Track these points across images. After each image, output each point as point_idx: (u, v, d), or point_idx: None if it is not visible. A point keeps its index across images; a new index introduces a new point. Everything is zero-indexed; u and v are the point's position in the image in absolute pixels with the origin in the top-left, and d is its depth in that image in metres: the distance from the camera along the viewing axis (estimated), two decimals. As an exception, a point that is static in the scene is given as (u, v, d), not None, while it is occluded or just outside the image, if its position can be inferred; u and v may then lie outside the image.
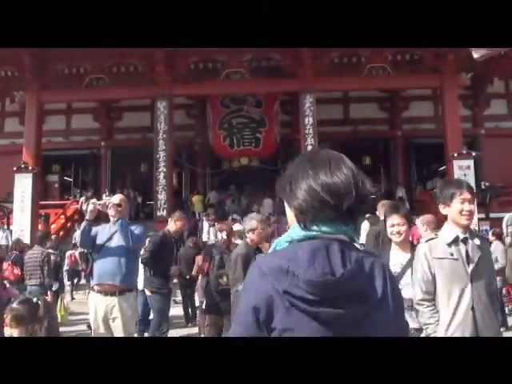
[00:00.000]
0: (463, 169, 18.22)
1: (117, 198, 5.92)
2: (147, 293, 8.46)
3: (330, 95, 22.31)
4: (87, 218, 5.78)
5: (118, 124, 25.48)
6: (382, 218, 7.53)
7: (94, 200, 5.85)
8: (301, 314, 1.48)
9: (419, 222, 8.06)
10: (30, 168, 18.66)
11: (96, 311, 5.74)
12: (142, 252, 7.51)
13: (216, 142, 22.02)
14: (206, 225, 18.31)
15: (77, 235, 5.92)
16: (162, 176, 18.42)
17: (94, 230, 5.88)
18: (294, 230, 1.63)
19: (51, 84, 19.71)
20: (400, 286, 3.88)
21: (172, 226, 8.03)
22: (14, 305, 2.93)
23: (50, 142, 24.44)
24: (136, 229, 5.72)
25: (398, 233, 4.22)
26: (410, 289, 3.93)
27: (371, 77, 18.81)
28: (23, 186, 18.50)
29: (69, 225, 21.59)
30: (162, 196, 18.31)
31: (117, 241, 5.67)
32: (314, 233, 1.57)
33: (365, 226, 9.67)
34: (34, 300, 2.58)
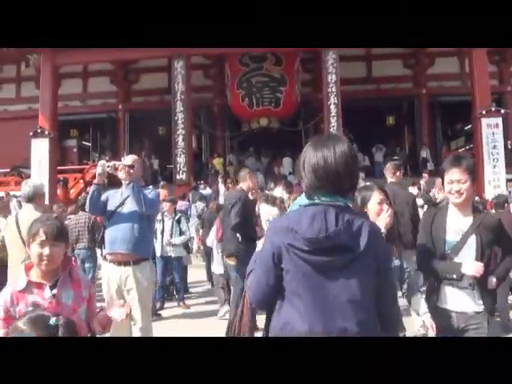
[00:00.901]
0: (492, 127, 17.42)
1: (129, 158, 5.33)
2: (231, 262, 7.20)
3: (352, 52, 21.35)
4: (95, 181, 5.21)
5: (135, 86, 24.79)
6: (389, 180, 7.34)
7: (102, 161, 5.24)
8: (299, 260, 2.11)
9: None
10: (47, 132, 18.23)
11: (109, 282, 5.20)
12: (232, 216, 6.88)
13: (234, 101, 21.21)
14: (222, 187, 17.70)
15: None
16: (180, 139, 17.85)
17: (105, 194, 5.31)
18: (302, 198, 2.32)
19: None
20: (458, 259, 3.31)
21: (245, 184, 7.28)
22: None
23: (67, 107, 24.01)
24: (149, 193, 5.15)
25: (458, 192, 3.27)
26: (473, 263, 3.23)
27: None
28: (40, 151, 18.11)
29: (88, 189, 21.11)
30: (181, 159, 17.75)
31: (129, 206, 5.09)
32: (316, 201, 2.16)
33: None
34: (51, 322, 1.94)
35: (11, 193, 18.25)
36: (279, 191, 9.79)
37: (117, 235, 5.08)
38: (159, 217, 9.31)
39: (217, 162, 21.87)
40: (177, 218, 9.55)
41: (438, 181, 6.67)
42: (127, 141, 24.09)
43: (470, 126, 23.69)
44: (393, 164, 7.73)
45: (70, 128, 25.14)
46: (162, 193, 16.08)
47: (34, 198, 5.30)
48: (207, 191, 17.60)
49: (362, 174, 18.52)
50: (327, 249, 2.06)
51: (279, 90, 20.55)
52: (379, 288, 2.16)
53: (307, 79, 23.00)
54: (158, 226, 9.14)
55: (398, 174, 7.44)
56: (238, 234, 7.01)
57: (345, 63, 19.42)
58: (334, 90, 17.54)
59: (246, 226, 7.03)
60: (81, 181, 20.98)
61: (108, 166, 5.08)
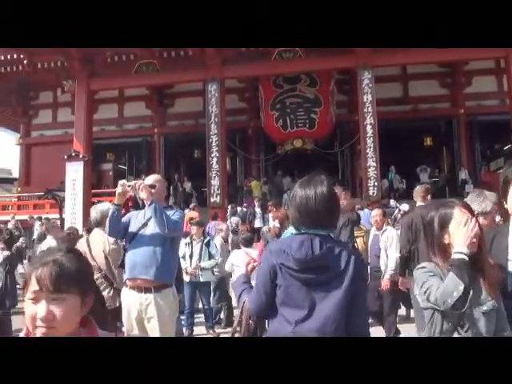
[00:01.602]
0: (533, 145, 16.66)
1: (151, 178, 4.96)
2: None
3: (387, 72, 20.91)
4: (115, 201, 4.85)
5: (170, 110, 24.80)
6: (418, 204, 6.96)
7: (123, 181, 4.88)
8: (290, 277, 2.54)
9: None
10: (81, 156, 18.14)
11: (129, 310, 4.78)
12: (343, 238, 6.66)
13: (268, 123, 20.86)
14: (258, 211, 17.19)
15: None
16: (215, 161, 17.55)
17: (127, 216, 4.98)
18: (291, 228, 2.77)
19: (100, 72, 19.14)
20: None
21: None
22: None
23: (103, 131, 24.12)
24: (173, 214, 4.76)
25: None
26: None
27: (433, 49, 17.32)
28: (74, 174, 18.04)
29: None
30: (215, 182, 17.43)
31: (151, 228, 4.69)
32: (303, 231, 2.58)
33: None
34: None
35: (35, 216, 18.27)
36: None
37: (137, 260, 4.68)
38: (188, 240, 8.98)
39: (254, 185, 21.43)
40: (206, 241, 9.15)
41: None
42: (162, 164, 24.02)
43: (509, 146, 23.04)
44: (423, 187, 7.30)
45: (106, 152, 25.21)
46: (193, 215, 15.88)
47: (101, 222, 5.40)
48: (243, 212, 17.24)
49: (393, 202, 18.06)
50: (312, 268, 2.49)
51: (313, 111, 20.12)
52: (354, 301, 2.53)
53: (342, 100, 22.59)
54: (187, 250, 8.80)
55: (428, 197, 6.94)
56: None
57: (381, 84, 18.92)
58: (370, 110, 17.06)
59: None
60: (116, 204, 20.83)
61: (129, 186, 4.73)
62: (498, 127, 21.23)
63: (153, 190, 4.68)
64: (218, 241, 9.67)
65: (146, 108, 24.71)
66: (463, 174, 21.12)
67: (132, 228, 4.84)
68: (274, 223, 8.95)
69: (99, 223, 5.48)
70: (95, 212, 5.57)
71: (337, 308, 2.49)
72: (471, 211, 2.61)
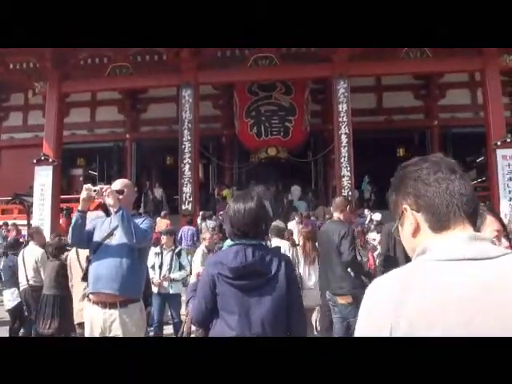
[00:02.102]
0: (507, 158, 16.54)
1: (118, 182, 4.57)
2: (343, 301, 6.26)
3: (361, 83, 20.71)
4: (79, 207, 4.44)
5: (143, 116, 24.28)
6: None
7: (88, 185, 4.48)
8: (227, 284, 2.79)
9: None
10: (50, 160, 17.54)
11: (92, 327, 4.36)
12: (346, 250, 6.11)
13: (243, 130, 20.49)
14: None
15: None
16: (187, 168, 17.11)
17: (92, 223, 4.55)
18: (228, 240, 3.06)
19: (73, 74, 18.59)
20: None
21: (342, 214, 6.63)
22: None
23: (74, 135, 23.56)
24: (142, 222, 4.36)
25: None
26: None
27: (408, 61, 17.22)
28: (43, 179, 17.42)
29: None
30: (187, 189, 16.98)
31: (118, 238, 4.29)
32: (237, 242, 2.89)
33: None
34: None
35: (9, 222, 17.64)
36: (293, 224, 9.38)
37: (101, 272, 4.25)
38: (158, 250, 8.53)
39: (227, 193, 21.06)
40: (177, 250, 8.64)
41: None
42: (134, 170, 23.46)
43: (481, 159, 23.06)
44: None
45: (76, 157, 24.64)
46: (164, 223, 15.42)
47: None
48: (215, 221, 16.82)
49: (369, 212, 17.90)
50: (246, 275, 2.75)
51: (288, 119, 19.81)
52: (289, 303, 2.83)
53: (316, 110, 22.35)
54: (156, 260, 8.35)
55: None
56: (349, 270, 6.29)
57: (355, 94, 18.63)
58: (345, 119, 16.81)
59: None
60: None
61: (94, 191, 4.33)
62: (471, 139, 21.21)
63: (120, 196, 4.30)
64: (200, 250, 9.20)
65: (118, 113, 24.13)
66: (437, 185, 21.00)
67: (96, 237, 4.45)
68: None
69: None
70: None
71: (271, 310, 2.76)
72: (500, 219, 2.88)
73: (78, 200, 14.81)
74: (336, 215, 6.70)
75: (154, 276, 8.17)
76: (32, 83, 19.59)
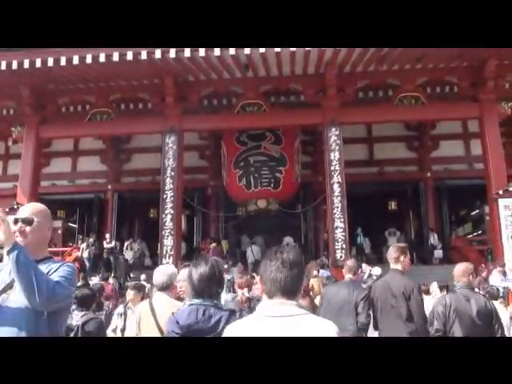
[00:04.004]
0: (510, 208, 15.26)
1: (28, 208, 2.99)
2: None
3: (352, 134, 19.56)
4: None
5: (126, 166, 22.91)
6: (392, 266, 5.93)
7: None
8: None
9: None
10: (23, 210, 15.93)
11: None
12: (360, 311, 6.13)
13: (231, 182, 19.01)
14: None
15: None
16: (168, 219, 15.63)
17: None
18: (188, 300, 3.33)
19: (52, 119, 17.31)
20: None
21: (354, 276, 6.91)
22: None
23: (54, 186, 22.14)
24: (56, 270, 2.82)
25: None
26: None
27: (403, 107, 16.12)
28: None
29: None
30: (168, 241, 15.45)
31: (18, 294, 2.64)
32: (193, 302, 3.16)
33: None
34: None
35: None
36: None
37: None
38: (121, 309, 6.86)
39: (213, 248, 19.54)
40: None
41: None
42: (115, 223, 21.87)
43: (477, 212, 21.95)
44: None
45: (56, 208, 23.07)
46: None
47: (169, 286, 4.78)
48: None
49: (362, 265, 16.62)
50: (191, 332, 3.04)
51: (278, 169, 18.36)
52: None
53: (306, 162, 21.12)
54: (119, 323, 6.67)
55: (401, 259, 5.85)
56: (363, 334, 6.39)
57: (345, 145, 17.24)
58: (337, 168, 15.54)
59: None
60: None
61: None
62: (466, 192, 20.23)
63: (27, 228, 2.80)
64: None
65: (100, 163, 22.76)
66: (432, 239, 19.63)
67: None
68: (242, 291, 8.02)
69: (166, 287, 4.72)
70: (162, 275, 4.79)
71: None
72: None
73: (54, 253, 13.25)
74: (348, 276, 6.74)
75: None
76: (11, 130, 18.36)
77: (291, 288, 2.16)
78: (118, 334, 6.57)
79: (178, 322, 3.07)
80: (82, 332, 5.78)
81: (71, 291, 2.82)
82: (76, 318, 5.99)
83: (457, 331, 5.31)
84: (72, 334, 5.81)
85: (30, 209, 2.91)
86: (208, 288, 3.16)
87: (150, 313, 4.53)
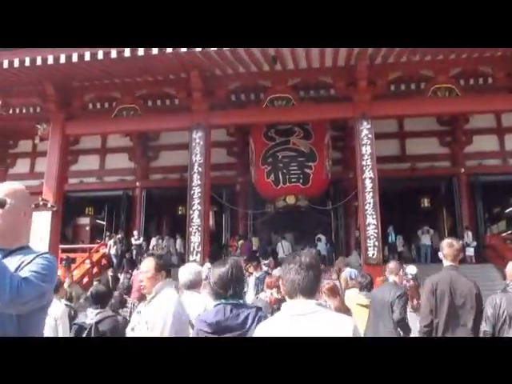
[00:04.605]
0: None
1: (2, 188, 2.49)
2: None
3: (384, 129, 18.85)
4: None
5: (154, 163, 22.62)
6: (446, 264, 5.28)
7: None
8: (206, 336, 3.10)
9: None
10: (50, 205, 15.71)
11: None
12: (395, 309, 6.34)
13: (259, 178, 18.48)
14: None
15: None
16: (196, 215, 15.19)
17: None
18: (211, 300, 3.55)
19: (77, 116, 17.03)
20: None
21: (396, 277, 6.93)
22: None
23: (82, 183, 21.94)
24: (30, 262, 2.33)
25: None
26: None
27: (436, 100, 15.42)
28: (41, 225, 15.46)
29: (95, 271, 18.50)
30: (195, 238, 15.01)
31: None
32: (218, 302, 3.20)
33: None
34: None
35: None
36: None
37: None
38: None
39: (241, 244, 19.11)
40: None
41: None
42: (142, 219, 21.57)
43: (511, 209, 21.22)
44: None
45: (84, 205, 22.99)
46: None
47: (197, 283, 4.83)
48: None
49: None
50: (219, 330, 3.06)
51: (308, 165, 17.73)
52: None
53: (337, 157, 20.51)
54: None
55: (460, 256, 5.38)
56: (399, 329, 6.38)
57: (377, 141, 16.58)
58: (369, 163, 14.91)
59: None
60: (87, 261, 18.36)
61: None
62: (501, 188, 19.45)
63: (-1, 211, 2.32)
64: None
65: (129, 160, 22.51)
66: (466, 237, 18.84)
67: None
68: (270, 291, 7.65)
69: (194, 285, 4.74)
70: (188, 274, 4.79)
71: None
72: None
73: (82, 250, 12.96)
74: (392, 278, 6.86)
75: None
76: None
77: (309, 288, 2.42)
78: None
79: (205, 321, 3.12)
80: (96, 331, 5.31)
81: (44, 289, 2.22)
82: (90, 315, 5.52)
83: (508, 333, 4.78)
84: (85, 334, 5.34)
85: (3, 189, 2.37)
86: (230, 288, 3.19)
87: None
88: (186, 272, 4.80)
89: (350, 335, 2.29)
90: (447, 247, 5.22)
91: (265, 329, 2.43)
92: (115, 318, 5.73)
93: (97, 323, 5.36)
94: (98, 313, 5.47)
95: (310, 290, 2.43)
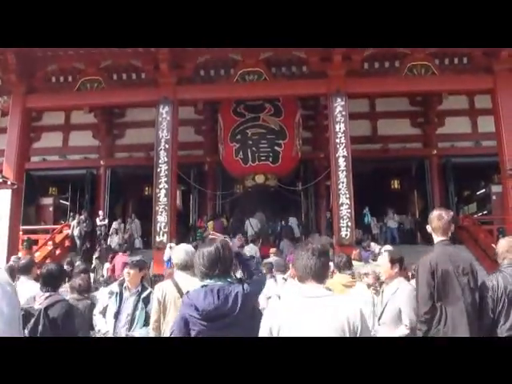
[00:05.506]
0: (525, 185, 14.06)
1: None
2: None
3: (355, 109, 18.08)
4: None
5: (119, 141, 21.60)
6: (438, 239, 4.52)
7: None
8: (198, 323, 3.05)
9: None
10: (9, 183, 14.69)
11: None
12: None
13: (227, 156, 17.66)
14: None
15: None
16: (162, 194, 14.36)
17: None
18: (199, 281, 3.27)
19: (39, 88, 15.95)
20: None
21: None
22: None
23: (45, 162, 20.87)
24: None
25: None
26: None
27: (412, 78, 14.83)
28: (0, 204, 14.48)
29: (58, 252, 17.56)
30: (162, 217, 14.18)
31: None
32: (206, 283, 3.16)
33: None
34: None
35: None
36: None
37: None
38: (115, 288, 5.44)
39: (211, 226, 18.27)
40: (145, 294, 5.15)
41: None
42: (107, 199, 20.59)
43: (482, 191, 20.96)
44: (438, 214, 4.57)
45: (47, 185, 21.92)
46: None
47: (191, 264, 4.29)
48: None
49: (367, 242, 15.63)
50: (212, 317, 3.04)
51: (278, 143, 16.97)
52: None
53: (307, 137, 19.81)
54: (111, 304, 5.28)
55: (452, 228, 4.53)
56: None
57: (349, 121, 15.88)
58: (342, 141, 14.24)
59: None
60: (49, 242, 17.40)
61: None
62: (473, 170, 19.14)
63: None
64: None
65: (93, 138, 21.41)
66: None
67: None
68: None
69: (187, 266, 4.46)
70: (184, 253, 4.56)
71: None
72: None
73: (44, 231, 12.05)
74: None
75: (103, 329, 5.32)
76: (-1, 102, 17.13)
77: (320, 273, 2.69)
78: (110, 321, 5.24)
79: (195, 307, 3.08)
80: (45, 318, 4.48)
81: None
82: (39, 300, 4.67)
83: (508, 315, 4.16)
84: (32, 321, 4.51)
85: None
86: (217, 267, 3.18)
87: (178, 295, 4.20)
88: (181, 252, 4.57)
89: (359, 315, 2.58)
90: (436, 220, 4.45)
91: (285, 310, 2.66)
92: (66, 302, 4.86)
93: (46, 308, 4.50)
94: (48, 296, 4.61)
95: (320, 275, 2.70)
